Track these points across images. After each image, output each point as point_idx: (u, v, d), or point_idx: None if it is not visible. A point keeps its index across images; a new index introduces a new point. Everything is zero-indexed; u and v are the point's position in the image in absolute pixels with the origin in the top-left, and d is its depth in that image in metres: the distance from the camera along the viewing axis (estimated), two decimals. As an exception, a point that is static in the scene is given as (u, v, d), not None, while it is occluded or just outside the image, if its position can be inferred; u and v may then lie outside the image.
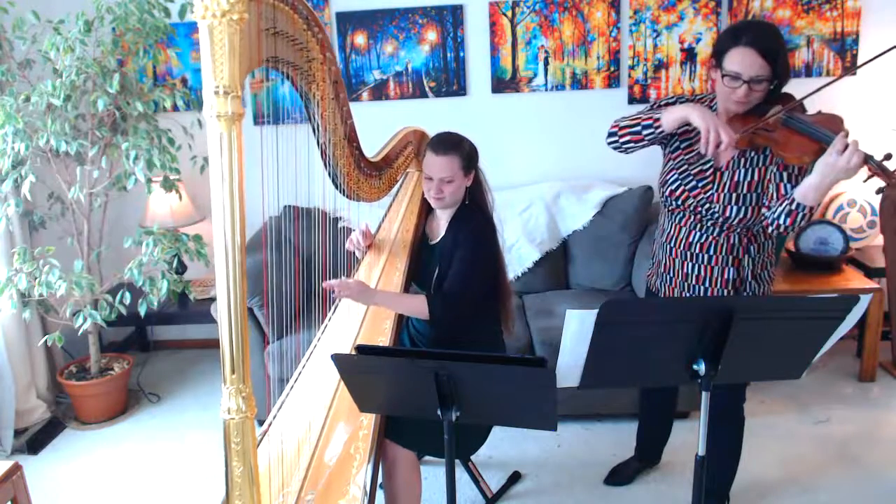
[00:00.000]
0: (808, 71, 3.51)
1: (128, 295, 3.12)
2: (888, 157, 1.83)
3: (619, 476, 2.73)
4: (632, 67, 3.58)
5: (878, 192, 1.87)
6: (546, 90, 3.63)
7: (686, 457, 2.62)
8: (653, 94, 3.58)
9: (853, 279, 3.33)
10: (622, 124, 2.14)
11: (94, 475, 2.99)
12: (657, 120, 2.04)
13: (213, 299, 3.19)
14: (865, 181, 1.87)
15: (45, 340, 3.08)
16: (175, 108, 3.17)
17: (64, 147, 2.92)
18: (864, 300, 1.52)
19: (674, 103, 2.10)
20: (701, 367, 1.57)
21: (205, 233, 3.33)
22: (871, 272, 3.40)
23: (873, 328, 3.28)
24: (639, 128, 2.08)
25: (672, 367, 1.62)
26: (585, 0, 3.50)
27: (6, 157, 2.88)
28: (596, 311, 1.48)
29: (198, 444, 3.16)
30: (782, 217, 1.95)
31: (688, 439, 2.47)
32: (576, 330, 1.54)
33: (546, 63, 3.60)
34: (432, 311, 2.14)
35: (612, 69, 3.58)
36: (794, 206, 1.92)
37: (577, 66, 3.59)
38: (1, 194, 3.01)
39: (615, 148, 2.17)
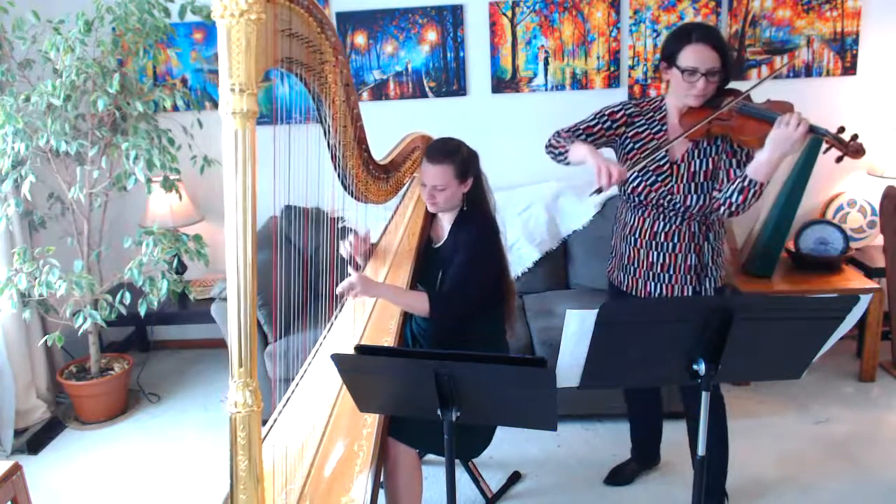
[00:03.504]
0: (809, 71, 3.51)
1: (128, 295, 3.12)
2: (841, 129, 2.00)
3: (619, 476, 2.74)
4: (632, 67, 3.58)
5: (837, 160, 2.01)
6: (546, 90, 3.63)
7: (685, 456, 2.62)
8: (653, 93, 3.58)
9: (853, 279, 3.33)
10: (551, 141, 2.31)
11: (94, 475, 2.99)
12: (566, 151, 2.23)
13: (213, 299, 3.19)
14: (825, 152, 2.03)
15: (45, 340, 3.07)
16: (175, 108, 3.16)
17: (64, 147, 2.92)
18: (864, 300, 1.53)
19: (592, 124, 2.30)
20: (701, 367, 1.58)
21: (205, 233, 3.33)
22: (871, 272, 3.40)
23: (873, 328, 3.28)
24: (556, 151, 2.28)
25: (672, 367, 1.62)
26: (585, 0, 3.50)
27: (6, 157, 2.88)
28: (596, 311, 1.48)
29: (197, 445, 3.16)
30: (735, 195, 2.08)
31: (685, 439, 2.48)
32: (576, 330, 1.55)
33: (546, 63, 3.60)
34: (433, 308, 2.17)
35: (612, 69, 3.58)
36: (746, 183, 2.05)
37: (577, 66, 3.59)
38: (1, 194, 3.01)
39: (552, 159, 2.33)
